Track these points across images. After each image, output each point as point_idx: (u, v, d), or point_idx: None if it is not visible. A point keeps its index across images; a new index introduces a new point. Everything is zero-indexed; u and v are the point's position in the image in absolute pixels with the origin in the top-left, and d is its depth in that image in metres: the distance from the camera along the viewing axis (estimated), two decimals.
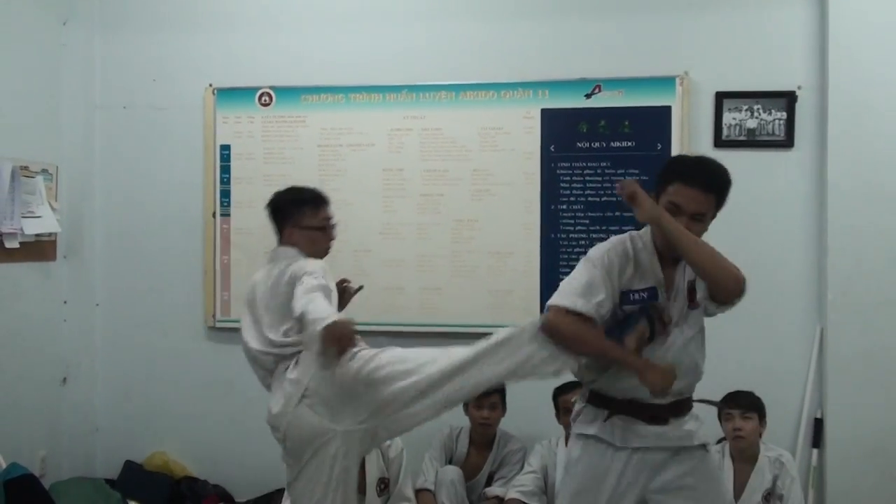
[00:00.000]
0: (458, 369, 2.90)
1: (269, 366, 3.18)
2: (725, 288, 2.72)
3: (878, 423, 4.35)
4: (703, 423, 2.92)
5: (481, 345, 2.94)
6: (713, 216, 2.84)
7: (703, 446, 2.88)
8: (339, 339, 2.82)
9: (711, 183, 2.79)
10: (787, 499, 3.95)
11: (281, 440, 3.16)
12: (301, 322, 2.99)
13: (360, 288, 3.55)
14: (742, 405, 4.01)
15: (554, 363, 2.86)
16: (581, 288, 2.78)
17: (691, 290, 2.81)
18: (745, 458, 4.03)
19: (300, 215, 3.23)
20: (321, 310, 2.87)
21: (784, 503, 3.94)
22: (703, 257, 2.68)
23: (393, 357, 3.00)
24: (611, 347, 2.75)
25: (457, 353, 2.95)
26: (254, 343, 3.20)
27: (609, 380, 2.86)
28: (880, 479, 4.33)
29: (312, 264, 3.12)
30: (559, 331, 2.80)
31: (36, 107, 4.79)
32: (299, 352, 3.06)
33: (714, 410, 3.90)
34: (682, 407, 2.87)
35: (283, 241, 3.29)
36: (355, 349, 2.97)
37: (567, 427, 4.19)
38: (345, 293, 3.45)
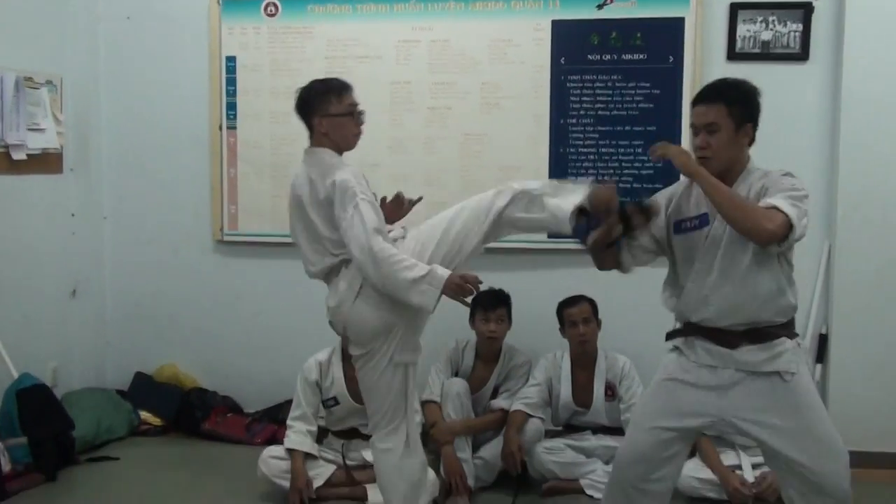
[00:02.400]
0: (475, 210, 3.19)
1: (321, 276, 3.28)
2: (750, 236, 2.77)
3: (883, 339, 4.37)
4: (788, 353, 2.88)
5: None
6: (736, 125, 2.86)
7: (779, 374, 2.87)
8: (460, 288, 3.02)
9: (712, 94, 2.90)
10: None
11: (341, 333, 3.33)
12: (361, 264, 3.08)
13: (420, 199, 3.58)
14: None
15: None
16: None
17: None
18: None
19: (327, 103, 3.23)
20: (410, 262, 3.03)
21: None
22: (727, 206, 2.76)
23: (423, 238, 3.19)
24: None
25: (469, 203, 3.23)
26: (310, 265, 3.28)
27: (680, 304, 3.00)
28: (883, 394, 4.37)
29: (348, 175, 3.13)
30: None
31: (39, 17, 4.72)
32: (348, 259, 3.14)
33: None
34: (755, 334, 2.88)
35: (313, 135, 3.28)
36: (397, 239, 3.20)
37: (571, 342, 4.22)
38: (403, 205, 3.55)
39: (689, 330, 3.00)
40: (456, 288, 3.02)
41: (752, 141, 2.93)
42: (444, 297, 3.03)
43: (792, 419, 2.86)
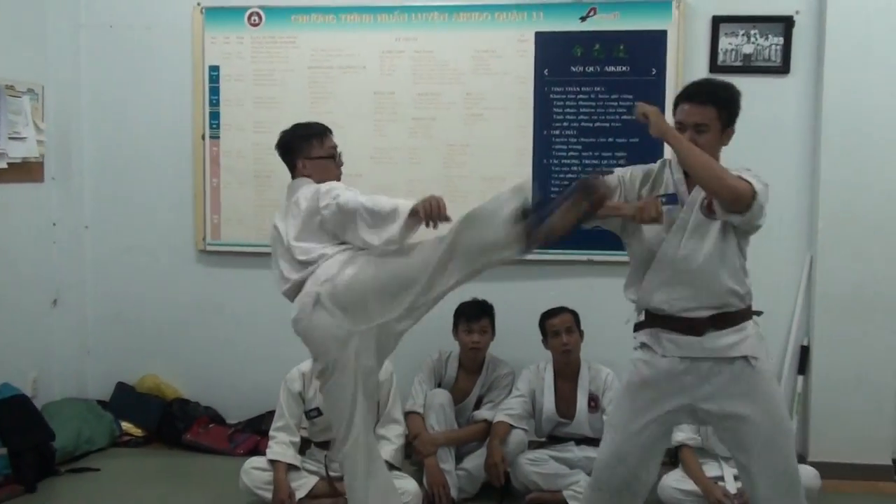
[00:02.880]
0: (447, 254, 3.10)
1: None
2: (721, 197, 2.80)
3: (864, 351, 4.39)
4: (751, 337, 2.95)
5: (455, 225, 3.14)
6: (723, 127, 2.94)
7: (745, 358, 2.93)
8: (437, 210, 3.06)
9: (703, 95, 2.95)
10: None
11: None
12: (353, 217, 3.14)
13: None
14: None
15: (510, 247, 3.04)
16: None
17: (710, 203, 2.89)
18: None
19: (309, 147, 3.42)
20: (389, 199, 3.12)
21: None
22: (699, 166, 2.81)
23: (396, 264, 3.16)
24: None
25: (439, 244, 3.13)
26: (283, 283, 3.33)
27: (642, 294, 3.03)
28: (864, 406, 4.39)
29: (334, 183, 3.34)
30: None
31: (21, 25, 4.70)
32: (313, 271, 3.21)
33: None
34: (720, 320, 2.93)
35: (295, 174, 3.46)
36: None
37: (554, 352, 4.23)
38: None
39: (654, 321, 3.02)
40: (425, 207, 3.06)
41: (728, 142, 3.00)
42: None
43: (756, 403, 2.93)
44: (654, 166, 3.11)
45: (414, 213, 3.05)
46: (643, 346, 3.07)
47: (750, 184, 2.80)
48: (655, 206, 2.90)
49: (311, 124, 3.54)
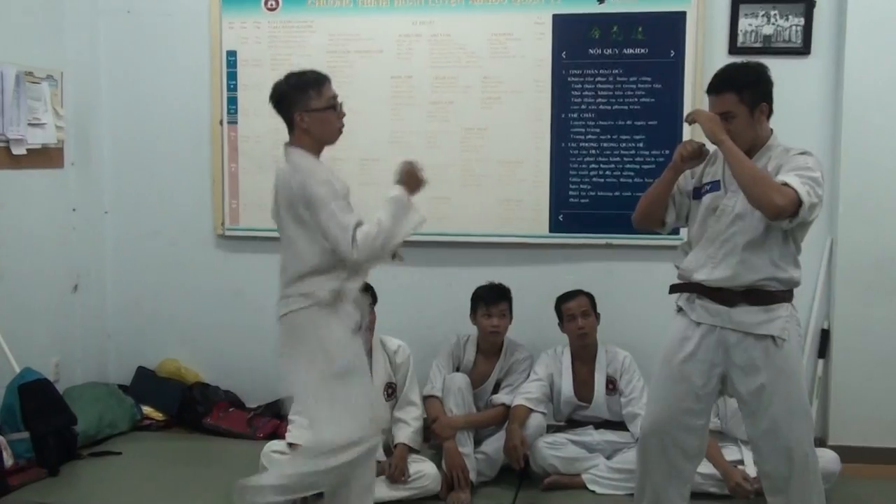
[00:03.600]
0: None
1: None
2: (766, 213, 2.88)
3: (885, 334, 4.36)
4: (782, 319, 3.01)
5: None
6: (749, 108, 2.99)
7: (773, 338, 2.99)
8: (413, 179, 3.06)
9: (721, 83, 3.02)
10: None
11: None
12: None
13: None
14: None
15: None
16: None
17: None
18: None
19: (306, 98, 3.09)
20: (389, 214, 3.03)
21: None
22: (745, 176, 2.88)
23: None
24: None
25: None
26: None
27: (687, 262, 3.13)
28: (885, 389, 4.37)
29: (317, 177, 3.06)
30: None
31: (40, 12, 4.72)
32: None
33: None
34: (755, 296, 3.01)
35: (294, 132, 3.17)
36: None
37: (571, 336, 4.23)
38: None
39: (690, 287, 3.12)
40: (408, 176, 3.08)
41: (770, 115, 3.06)
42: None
43: (777, 379, 3.00)
44: (713, 150, 3.14)
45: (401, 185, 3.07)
46: (679, 310, 3.18)
47: (795, 191, 2.83)
48: (689, 142, 3.05)
49: (306, 72, 3.16)
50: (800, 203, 2.83)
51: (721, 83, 3.01)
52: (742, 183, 2.89)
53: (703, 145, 3.07)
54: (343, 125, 3.19)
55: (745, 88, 2.97)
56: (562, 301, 4.26)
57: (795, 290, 4.45)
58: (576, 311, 4.19)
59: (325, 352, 3.04)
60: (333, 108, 3.14)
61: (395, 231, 3.02)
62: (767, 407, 3.01)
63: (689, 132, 4.40)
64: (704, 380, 3.10)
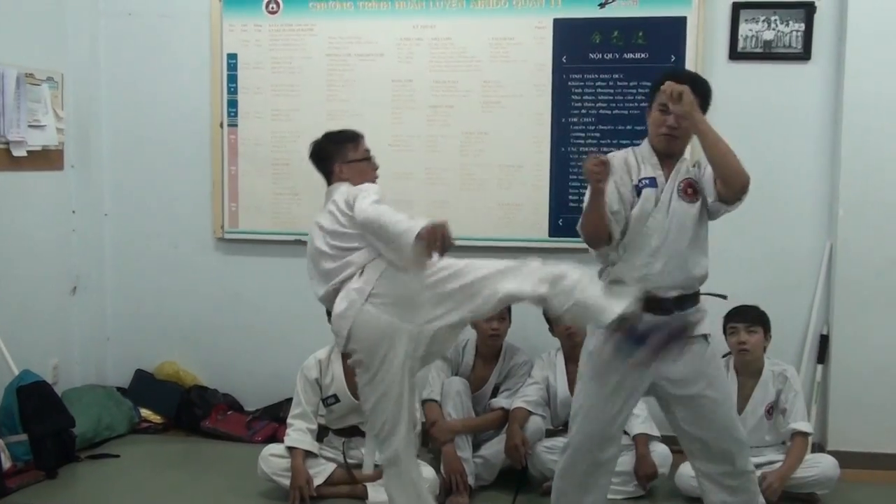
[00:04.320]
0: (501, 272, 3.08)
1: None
2: (732, 183, 3.00)
3: (884, 340, 4.36)
4: (706, 317, 3.18)
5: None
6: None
7: (705, 336, 3.15)
8: (440, 239, 2.90)
9: (687, 82, 3.05)
10: (790, 412, 3.98)
11: (344, 345, 3.20)
12: (366, 230, 3.11)
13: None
14: (747, 319, 4.00)
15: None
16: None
17: (689, 185, 3.13)
18: (749, 371, 4.04)
19: (344, 151, 3.38)
20: (400, 218, 3.01)
21: (787, 417, 3.97)
22: (722, 150, 2.98)
23: (456, 267, 3.11)
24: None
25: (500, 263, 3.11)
26: (319, 287, 3.25)
27: (621, 268, 3.14)
28: (885, 395, 4.36)
29: (367, 185, 3.26)
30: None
31: (40, 14, 4.72)
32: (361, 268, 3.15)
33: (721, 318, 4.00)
34: (684, 301, 3.11)
35: (332, 181, 3.39)
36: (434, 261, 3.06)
37: (561, 338, 4.23)
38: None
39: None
40: (429, 236, 2.92)
41: None
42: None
43: (709, 381, 3.14)
44: (626, 153, 3.22)
45: (420, 237, 2.91)
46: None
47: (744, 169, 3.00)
48: (591, 161, 3.00)
49: (343, 131, 3.49)
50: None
51: (686, 81, 3.07)
52: (716, 154, 2.97)
53: (606, 159, 3.02)
54: (377, 176, 3.42)
55: (703, 96, 3.10)
56: None
57: (794, 297, 4.52)
58: None
59: None
60: (368, 160, 3.42)
61: (381, 228, 3.05)
62: (708, 399, 3.13)
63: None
64: (637, 390, 3.18)
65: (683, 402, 3.17)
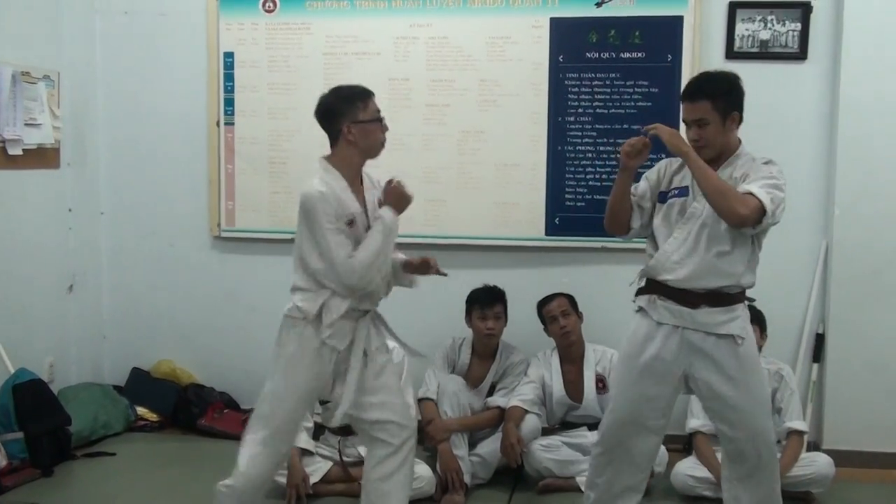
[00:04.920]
0: None
1: None
2: (730, 222, 2.98)
3: (880, 339, 4.37)
4: (741, 319, 3.11)
5: None
6: (722, 116, 3.06)
7: (732, 337, 3.09)
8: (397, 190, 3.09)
9: (696, 91, 3.08)
10: (785, 411, 3.99)
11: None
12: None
13: (446, 275, 3.45)
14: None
15: None
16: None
17: None
18: None
19: (355, 109, 3.14)
20: (371, 239, 3.11)
21: (782, 415, 3.98)
22: (710, 191, 2.96)
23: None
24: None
25: None
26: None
27: (652, 263, 3.17)
28: (880, 394, 4.38)
29: (309, 200, 3.09)
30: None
31: (36, 12, 4.71)
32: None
33: None
34: (714, 298, 3.08)
35: (338, 143, 3.18)
36: None
37: (555, 337, 4.24)
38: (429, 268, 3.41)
39: (653, 288, 3.18)
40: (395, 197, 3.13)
41: (740, 123, 3.13)
42: None
43: (739, 386, 3.09)
44: (667, 163, 3.27)
45: (408, 266, 3.16)
46: (640, 310, 3.23)
47: (759, 200, 2.93)
48: (632, 140, 3.06)
49: (354, 86, 3.24)
50: (763, 212, 2.93)
51: (696, 91, 3.08)
52: (707, 193, 2.97)
53: (647, 140, 3.09)
54: (386, 139, 3.25)
55: (719, 97, 3.05)
56: (542, 305, 4.31)
57: (790, 296, 4.52)
58: (556, 311, 4.22)
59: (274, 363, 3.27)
60: (379, 122, 3.20)
61: (386, 252, 3.13)
62: (735, 401, 3.10)
63: (684, 137, 4.43)
64: (667, 379, 3.17)
65: (713, 401, 3.16)
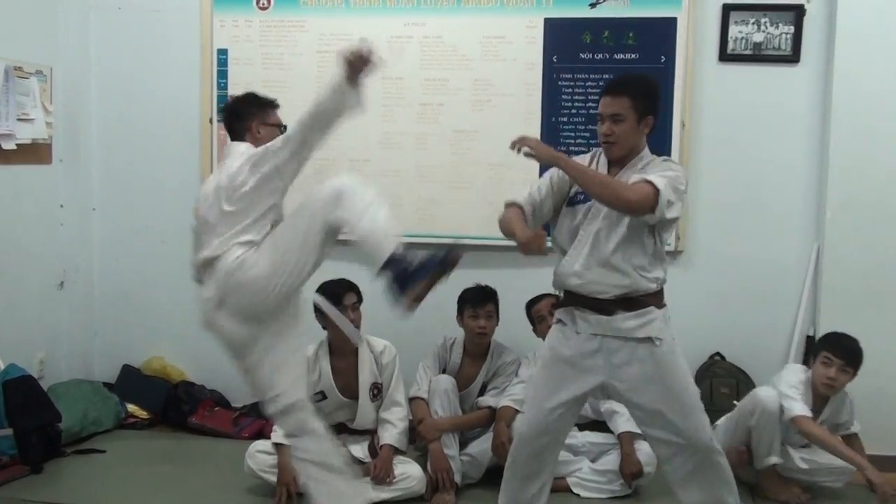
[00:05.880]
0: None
1: None
2: (621, 210, 3.00)
3: (870, 342, 4.35)
4: (657, 320, 3.11)
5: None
6: (638, 116, 3.07)
7: (650, 339, 3.10)
8: (361, 53, 3.01)
9: (618, 87, 3.11)
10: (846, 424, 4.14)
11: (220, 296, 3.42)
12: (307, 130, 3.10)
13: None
14: (846, 359, 3.95)
15: None
16: (529, 187, 3.35)
17: None
18: (822, 397, 4.06)
19: (265, 114, 3.38)
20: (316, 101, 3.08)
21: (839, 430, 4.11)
22: (593, 185, 3.00)
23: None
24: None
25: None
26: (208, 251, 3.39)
27: (558, 271, 3.21)
28: (871, 397, 4.36)
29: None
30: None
31: (30, 6, 4.70)
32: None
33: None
34: (627, 303, 3.09)
35: (242, 138, 3.36)
36: None
37: (545, 335, 4.24)
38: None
39: (569, 300, 3.20)
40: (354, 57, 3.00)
41: (651, 130, 3.15)
42: None
43: (661, 379, 3.11)
44: (587, 157, 3.27)
45: (349, 71, 3.01)
46: (559, 322, 3.26)
47: (652, 185, 2.92)
48: (539, 243, 2.97)
49: (266, 95, 3.48)
50: (657, 200, 2.91)
51: (619, 86, 3.11)
52: (591, 191, 3.01)
53: (545, 249, 3.02)
54: None
55: (640, 97, 3.07)
56: (531, 305, 4.32)
57: (781, 298, 4.52)
58: (544, 310, 4.22)
59: None
60: (279, 129, 3.37)
61: (323, 102, 3.09)
62: (657, 404, 3.11)
63: (677, 138, 4.44)
64: (582, 385, 3.19)
65: (638, 408, 3.19)
